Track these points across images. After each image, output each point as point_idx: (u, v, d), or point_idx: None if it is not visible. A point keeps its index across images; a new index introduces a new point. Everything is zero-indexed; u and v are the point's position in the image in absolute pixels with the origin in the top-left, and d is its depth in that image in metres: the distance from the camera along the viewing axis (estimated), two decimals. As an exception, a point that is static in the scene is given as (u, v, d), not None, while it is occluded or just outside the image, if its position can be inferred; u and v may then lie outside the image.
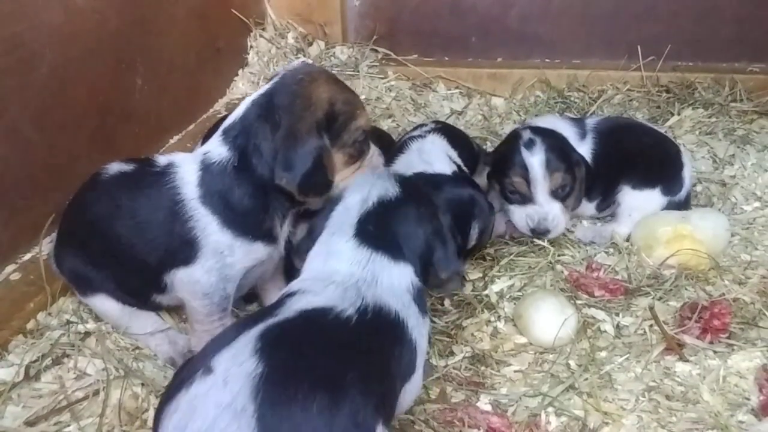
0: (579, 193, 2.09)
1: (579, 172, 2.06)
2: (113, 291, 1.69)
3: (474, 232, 1.89)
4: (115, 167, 1.66)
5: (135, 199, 1.59)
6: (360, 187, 1.45)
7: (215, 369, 1.06)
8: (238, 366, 1.05)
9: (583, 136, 2.21)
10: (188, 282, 1.57)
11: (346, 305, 1.23)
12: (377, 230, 1.37)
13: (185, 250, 1.55)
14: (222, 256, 1.55)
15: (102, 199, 1.63)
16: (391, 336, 1.27)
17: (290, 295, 1.26)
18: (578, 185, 2.07)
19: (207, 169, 1.55)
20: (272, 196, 1.53)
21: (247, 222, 1.54)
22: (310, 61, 3.16)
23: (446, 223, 1.54)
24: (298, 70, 1.57)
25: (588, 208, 2.23)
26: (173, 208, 1.54)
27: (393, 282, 1.33)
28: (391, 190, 1.43)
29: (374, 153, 1.68)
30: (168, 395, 1.10)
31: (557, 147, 2.05)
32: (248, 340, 1.10)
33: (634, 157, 2.17)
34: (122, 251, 1.60)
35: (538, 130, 2.08)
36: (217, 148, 1.55)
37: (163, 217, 1.56)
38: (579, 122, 2.27)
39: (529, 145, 2.02)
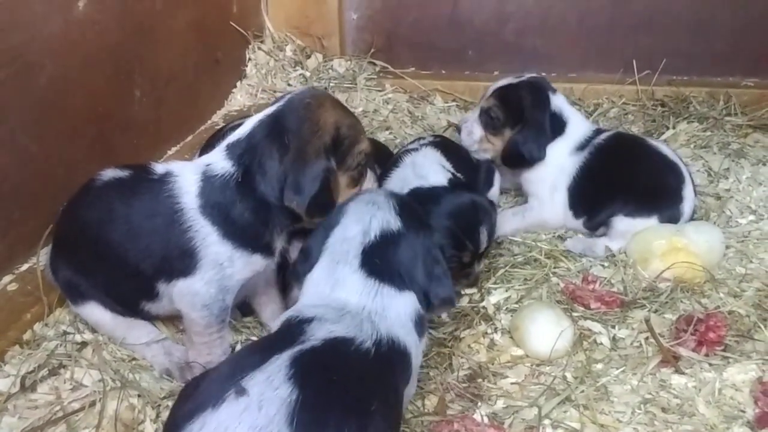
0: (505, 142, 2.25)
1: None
2: (103, 299, 1.69)
3: (483, 237, 1.91)
4: (110, 173, 1.67)
5: (130, 205, 1.59)
6: (359, 216, 1.46)
7: (249, 391, 1.08)
8: (273, 390, 1.09)
9: (582, 148, 2.24)
10: (187, 294, 1.57)
11: (364, 337, 1.27)
12: (382, 263, 1.41)
13: (184, 261, 1.55)
14: (222, 267, 1.55)
15: (95, 204, 1.64)
16: (400, 366, 1.33)
17: (307, 321, 1.29)
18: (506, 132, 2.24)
19: (208, 180, 1.56)
20: (273, 212, 1.56)
21: (247, 235, 1.56)
22: (307, 74, 3.18)
23: (444, 244, 1.61)
24: (305, 94, 1.61)
25: (574, 223, 2.25)
26: (172, 217, 1.55)
27: (399, 312, 1.38)
28: (392, 222, 1.45)
29: (370, 177, 1.72)
30: (188, 413, 1.10)
31: (511, 93, 2.26)
32: (281, 365, 1.13)
33: (627, 184, 2.17)
34: (114, 257, 1.60)
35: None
36: (220, 162, 1.56)
37: (160, 224, 1.56)
38: (595, 131, 2.29)
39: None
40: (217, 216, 1.54)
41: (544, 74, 3.14)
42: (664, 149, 2.24)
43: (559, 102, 2.29)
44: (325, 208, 1.54)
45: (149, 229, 1.57)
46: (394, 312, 1.37)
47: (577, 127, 2.27)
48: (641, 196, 2.14)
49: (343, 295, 1.36)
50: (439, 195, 1.94)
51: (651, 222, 2.11)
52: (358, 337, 1.26)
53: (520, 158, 2.23)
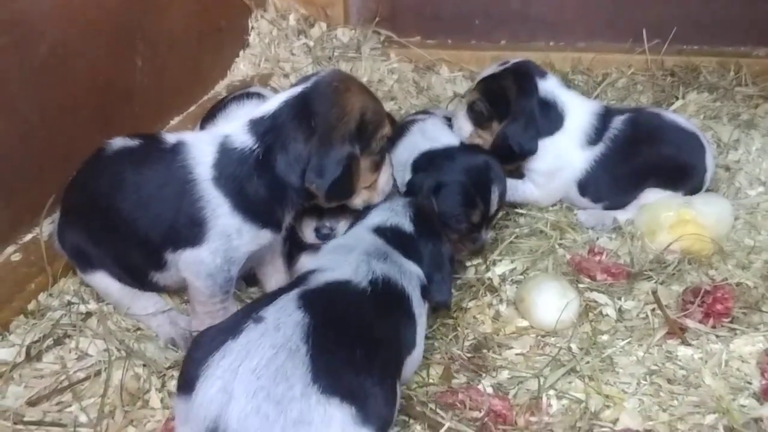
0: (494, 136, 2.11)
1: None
2: (112, 268, 1.69)
3: (494, 197, 1.90)
4: (119, 142, 1.67)
5: (141, 174, 1.59)
6: (379, 214, 1.64)
7: (266, 318, 1.20)
8: (287, 316, 1.21)
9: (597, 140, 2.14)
10: (193, 262, 1.57)
11: (359, 278, 1.39)
12: (393, 236, 1.57)
13: (193, 230, 1.56)
14: (229, 238, 1.56)
15: (105, 172, 1.64)
16: (398, 306, 1.44)
17: (311, 272, 1.40)
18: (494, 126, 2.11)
19: (225, 153, 1.56)
20: (289, 191, 1.57)
21: (259, 210, 1.57)
22: (311, 43, 3.14)
23: (448, 254, 1.65)
24: (332, 76, 1.61)
25: (593, 206, 2.20)
26: (183, 186, 1.55)
27: (404, 265, 1.51)
28: (406, 225, 1.61)
29: (389, 162, 1.74)
30: (207, 349, 1.16)
31: (494, 84, 2.13)
32: (290, 299, 1.26)
33: (655, 167, 2.12)
34: (124, 226, 1.60)
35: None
36: (240, 136, 1.56)
37: (171, 194, 1.56)
38: (603, 116, 2.17)
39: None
40: (230, 188, 1.54)
41: (551, 43, 3.15)
42: (682, 121, 2.19)
43: (551, 88, 2.12)
44: (345, 193, 1.60)
45: (160, 198, 1.57)
46: (397, 261, 1.50)
47: (579, 117, 2.13)
48: (669, 175, 2.11)
49: (352, 246, 1.50)
50: (453, 152, 1.95)
51: (677, 194, 2.10)
52: (353, 279, 1.38)
53: (510, 153, 2.08)
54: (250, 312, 1.23)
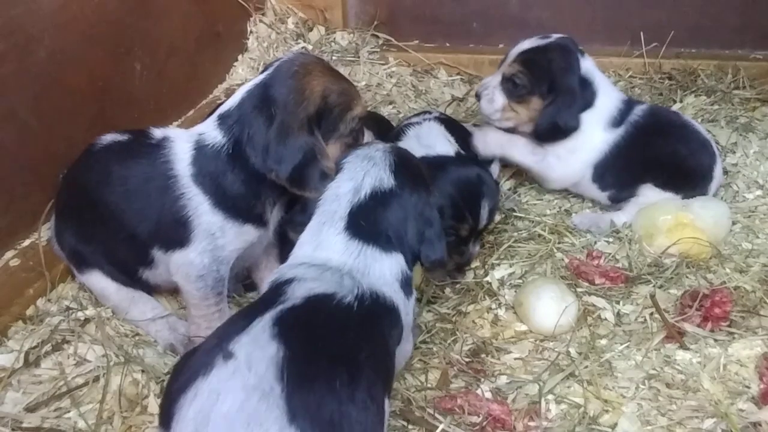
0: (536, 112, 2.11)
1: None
2: (105, 266, 1.70)
3: (484, 212, 1.88)
4: (110, 137, 1.69)
5: (127, 167, 1.61)
6: (353, 173, 1.45)
7: (237, 354, 1.10)
8: (260, 350, 1.10)
9: (619, 123, 2.14)
10: (182, 264, 1.58)
11: (345, 292, 1.27)
12: (369, 224, 1.39)
13: (178, 230, 1.56)
14: (213, 237, 1.56)
15: (93, 166, 1.66)
16: (386, 319, 1.33)
17: (287, 282, 1.29)
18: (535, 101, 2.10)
19: (201, 150, 1.56)
20: (265, 183, 1.55)
21: (238, 205, 1.56)
22: (310, 47, 3.14)
23: (440, 207, 1.56)
24: (293, 60, 1.58)
25: (599, 195, 2.22)
26: (166, 182, 1.56)
27: (384, 272, 1.37)
28: (386, 179, 1.43)
29: (368, 138, 1.69)
30: (181, 385, 1.11)
31: (539, 57, 2.11)
32: (264, 326, 1.15)
33: (663, 161, 2.13)
34: (112, 220, 1.62)
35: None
36: (211, 132, 1.57)
37: (155, 188, 1.57)
38: (627, 102, 2.19)
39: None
40: (209, 185, 1.55)
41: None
42: (698, 126, 2.20)
43: (588, 66, 2.14)
44: (313, 179, 1.50)
45: (145, 192, 1.58)
46: (378, 272, 1.36)
47: (608, 99, 2.14)
48: (676, 173, 2.12)
49: (326, 254, 1.37)
50: (445, 163, 1.91)
51: (677, 197, 2.10)
52: (338, 292, 1.27)
53: (556, 131, 2.08)
54: (223, 338, 1.14)
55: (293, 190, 1.53)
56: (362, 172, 1.44)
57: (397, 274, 1.39)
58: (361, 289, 1.30)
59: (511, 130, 2.22)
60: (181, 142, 1.60)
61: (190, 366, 1.14)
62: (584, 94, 2.11)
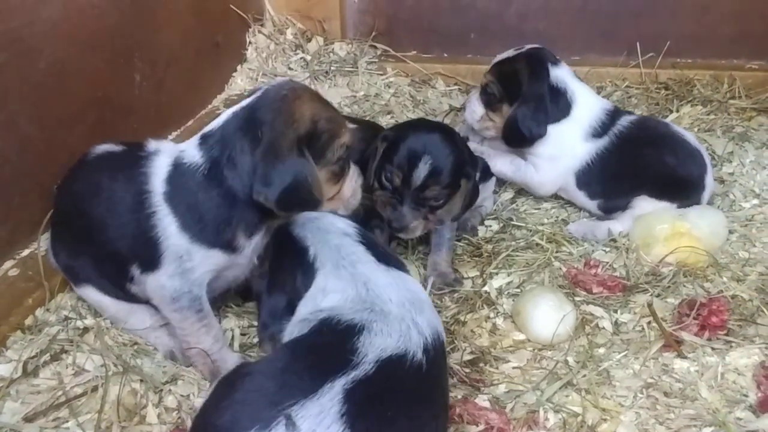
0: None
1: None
2: (97, 281, 1.68)
3: (422, 167, 1.81)
4: (103, 147, 1.69)
5: (112, 179, 1.58)
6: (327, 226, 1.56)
7: (299, 427, 1.06)
8: (325, 429, 1.06)
9: (602, 134, 2.17)
10: (156, 287, 1.54)
11: (414, 347, 1.24)
12: (384, 253, 1.46)
13: (150, 251, 1.51)
14: (181, 260, 1.50)
15: (83, 177, 1.66)
16: (444, 360, 1.33)
17: (356, 331, 1.25)
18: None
19: (177, 167, 1.51)
20: (239, 208, 1.49)
21: (206, 229, 1.50)
22: (308, 58, 3.16)
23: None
24: (281, 86, 1.53)
25: (588, 204, 2.24)
26: (140, 198, 1.52)
27: (418, 292, 1.42)
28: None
29: (354, 171, 1.66)
30: (228, 425, 1.08)
31: (507, 67, 2.16)
32: (334, 398, 1.09)
33: (653, 172, 2.15)
34: (96, 232, 1.59)
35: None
36: (191, 150, 1.51)
37: (131, 203, 1.53)
38: (612, 114, 2.20)
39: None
40: (178, 205, 1.49)
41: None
42: (688, 136, 2.22)
43: (561, 75, 2.17)
44: (304, 203, 1.49)
45: (124, 207, 1.54)
46: (420, 297, 1.37)
47: (586, 109, 2.17)
48: (666, 184, 2.13)
49: (378, 291, 1.35)
50: (422, 123, 2.00)
51: (672, 206, 2.11)
52: (410, 350, 1.22)
53: (520, 136, 2.14)
54: (285, 394, 1.09)
55: (281, 212, 1.49)
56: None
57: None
58: (426, 340, 1.25)
59: (495, 139, 2.31)
60: (163, 157, 1.55)
61: (239, 407, 1.10)
62: (556, 103, 2.14)
